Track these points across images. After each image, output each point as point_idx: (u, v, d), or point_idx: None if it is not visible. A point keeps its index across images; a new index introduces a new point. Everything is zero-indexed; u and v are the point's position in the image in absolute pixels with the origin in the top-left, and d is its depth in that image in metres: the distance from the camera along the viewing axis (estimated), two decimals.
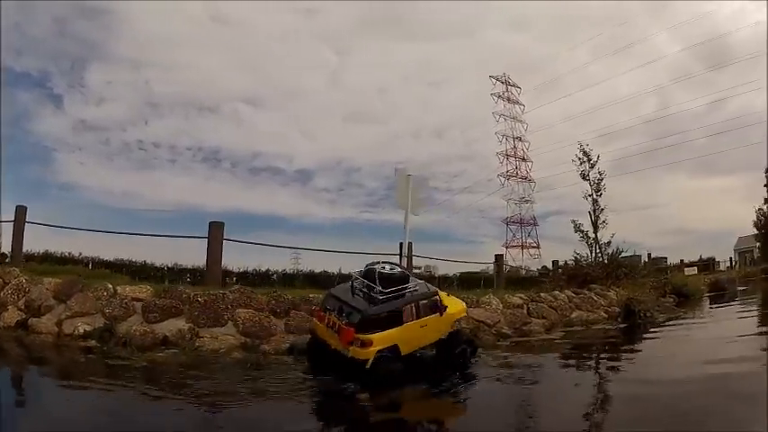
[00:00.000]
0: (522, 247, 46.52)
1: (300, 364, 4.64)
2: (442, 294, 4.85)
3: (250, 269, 21.80)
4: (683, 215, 68.16)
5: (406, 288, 4.38)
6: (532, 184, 49.30)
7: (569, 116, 50.46)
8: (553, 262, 14.08)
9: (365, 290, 4.34)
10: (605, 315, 8.96)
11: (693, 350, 6.23)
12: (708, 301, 14.33)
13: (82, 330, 4.99)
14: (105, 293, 5.41)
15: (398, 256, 10.72)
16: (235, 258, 18.98)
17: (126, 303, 5.32)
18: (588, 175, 13.66)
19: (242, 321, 5.32)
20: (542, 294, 8.40)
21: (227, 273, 23.04)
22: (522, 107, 51.59)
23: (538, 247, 46.67)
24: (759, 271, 26.41)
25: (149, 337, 4.90)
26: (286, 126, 68.59)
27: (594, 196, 13.50)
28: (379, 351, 4.05)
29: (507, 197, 48.28)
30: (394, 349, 4.19)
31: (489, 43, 66.42)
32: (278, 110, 68.74)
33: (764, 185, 33.41)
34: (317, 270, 20.51)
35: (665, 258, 35.85)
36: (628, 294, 10.94)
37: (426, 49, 69.98)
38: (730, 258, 36.41)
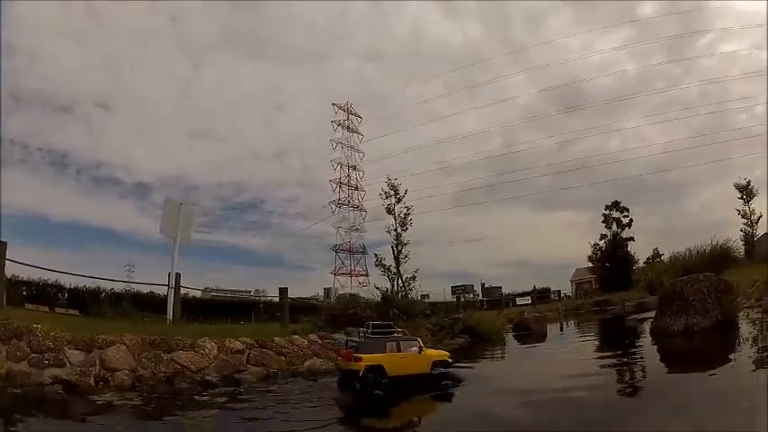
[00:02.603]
0: (351, 274, 46.88)
1: None
2: (433, 351, 7.87)
3: (80, 286, 20.38)
4: (524, 247, 73.15)
5: (391, 333, 7.44)
6: (364, 214, 50.01)
7: (411, 148, 52.30)
8: (350, 295, 14.31)
9: (364, 333, 7.37)
10: None
11: None
12: (502, 345, 14.37)
13: None
14: None
15: (166, 286, 10.23)
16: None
17: None
18: (393, 209, 13.94)
19: None
20: (276, 339, 8.31)
21: (60, 288, 21.07)
22: (360, 136, 53.02)
23: (366, 275, 46.38)
24: (590, 303, 28.13)
25: None
26: (133, 136, 66.47)
27: (399, 230, 13.82)
28: (367, 366, 6.65)
29: (338, 225, 48.94)
30: (379, 367, 6.74)
31: (340, 71, 69.95)
32: (128, 117, 65.88)
33: (602, 222, 37.17)
34: (145, 291, 19.54)
35: (500, 288, 38.88)
36: None
37: (278, 71, 72.86)
38: (559, 291, 39.65)
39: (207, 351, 7.43)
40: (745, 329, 10.05)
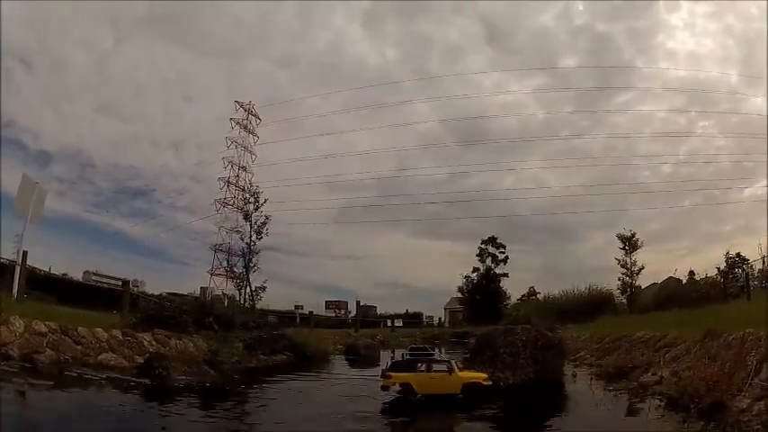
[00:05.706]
0: (227, 276, 47.82)
1: None
2: (467, 373, 9.06)
3: None
4: (404, 270, 75.45)
5: (429, 355, 9.62)
6: None
7: (305, 158, 53.43)
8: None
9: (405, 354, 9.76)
10: (141, 362, 10.30)
11: None
12: (322, 368, 14.75)
13: None
14: None
15: (16, 264, 12.19)
16: None
17: None
18: (251, 216, 14.02)
19: None
20: (80, 329, 10.55)
21: None
22: (255, 138, 53.87)
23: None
24: (449, 333, 29.62)
25: None
26: (44, 98, 65.90)
27: (253, 238, 13.97)
28: (395, 382, 8.46)
29: (220, 224, 48.71)
30: (407, 385, 8.42)
31: (253, 71, 72.41)
32: (45, 80, 65.29)
33: (477, 255, 39.95)
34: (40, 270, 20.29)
35: (375, 307, 41.51)
36: (211, 346, 13.38)
37: (194, 61, 74.90)
38: (421, 315, 42.62)
39: (15, 329, 9.26)
40: (573, 390, 10.14)
